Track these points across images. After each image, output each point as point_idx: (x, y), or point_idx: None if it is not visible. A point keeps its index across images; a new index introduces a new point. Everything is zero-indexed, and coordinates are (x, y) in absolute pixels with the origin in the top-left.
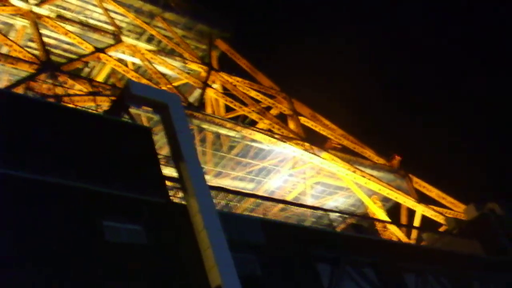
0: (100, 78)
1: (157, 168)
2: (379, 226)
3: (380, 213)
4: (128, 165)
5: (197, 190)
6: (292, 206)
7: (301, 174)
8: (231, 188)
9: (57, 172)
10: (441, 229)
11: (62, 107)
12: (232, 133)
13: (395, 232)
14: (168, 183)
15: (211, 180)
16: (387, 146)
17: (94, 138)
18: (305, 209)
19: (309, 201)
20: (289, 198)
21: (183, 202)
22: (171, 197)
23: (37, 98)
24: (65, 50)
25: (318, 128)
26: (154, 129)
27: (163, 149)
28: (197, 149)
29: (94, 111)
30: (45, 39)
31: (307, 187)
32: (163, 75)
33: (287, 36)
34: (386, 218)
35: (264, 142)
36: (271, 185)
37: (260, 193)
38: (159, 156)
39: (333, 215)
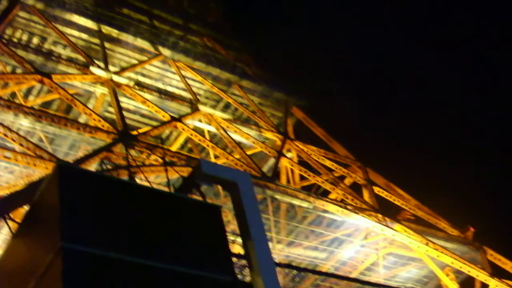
0: (176, 145)
1: (225, 245)
2: None
3: (452, 287)
4: (196, 243)
5: (264, 270)
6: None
7: (374, 245)
8: (303, 258)
9: (124, 250)
10: None
11: (131, 184)
12: (305, 204)
13: None
14: (235, 259)
15: (283, 249)
16: (461, 215)
17: (164, 215)
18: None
19: (381, 272)
20: (361, 268)
21: (249, 280)
22: (237, 275)
23: (107, 176)
24: (142, 115)
25: (392, 198)
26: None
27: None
28: (266, 223)
29: (165, 186)
30: (123, 105)
31: (379, 258)
32: (238, 144)
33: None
34: None
35: (336, 213)
36: (343, 255)
37: (332, 263)
38: (227, 233)
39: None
